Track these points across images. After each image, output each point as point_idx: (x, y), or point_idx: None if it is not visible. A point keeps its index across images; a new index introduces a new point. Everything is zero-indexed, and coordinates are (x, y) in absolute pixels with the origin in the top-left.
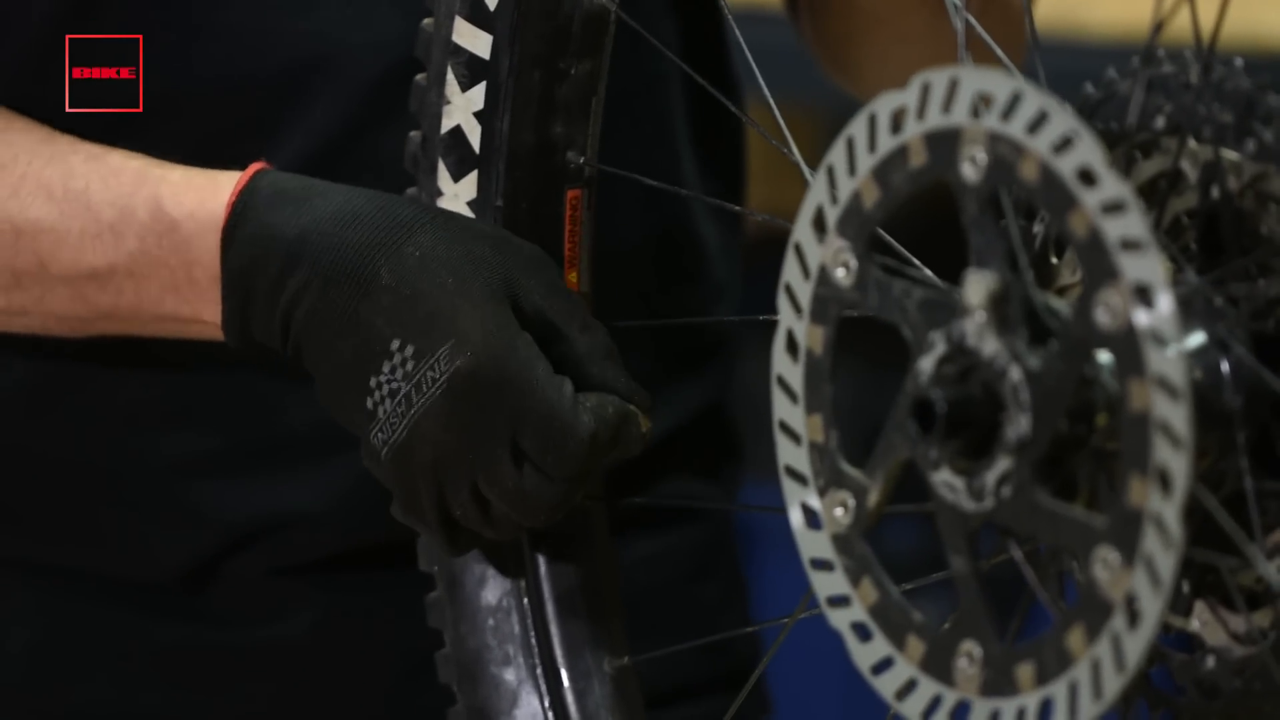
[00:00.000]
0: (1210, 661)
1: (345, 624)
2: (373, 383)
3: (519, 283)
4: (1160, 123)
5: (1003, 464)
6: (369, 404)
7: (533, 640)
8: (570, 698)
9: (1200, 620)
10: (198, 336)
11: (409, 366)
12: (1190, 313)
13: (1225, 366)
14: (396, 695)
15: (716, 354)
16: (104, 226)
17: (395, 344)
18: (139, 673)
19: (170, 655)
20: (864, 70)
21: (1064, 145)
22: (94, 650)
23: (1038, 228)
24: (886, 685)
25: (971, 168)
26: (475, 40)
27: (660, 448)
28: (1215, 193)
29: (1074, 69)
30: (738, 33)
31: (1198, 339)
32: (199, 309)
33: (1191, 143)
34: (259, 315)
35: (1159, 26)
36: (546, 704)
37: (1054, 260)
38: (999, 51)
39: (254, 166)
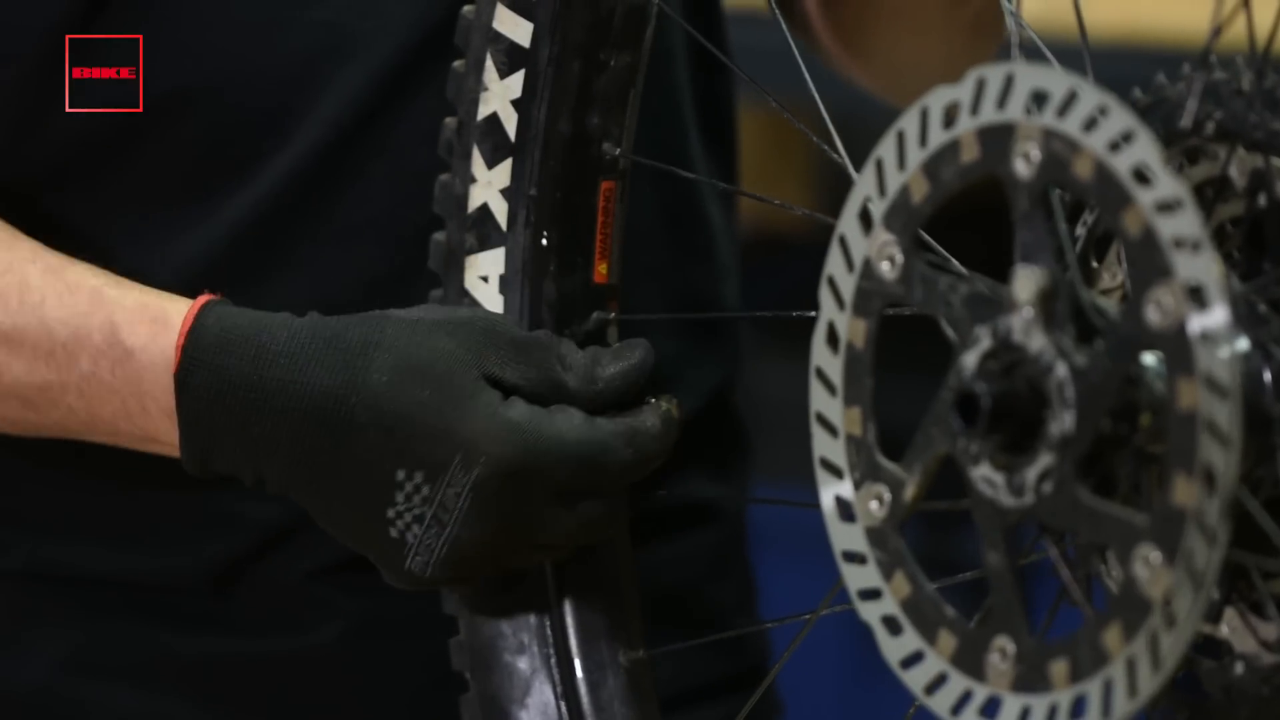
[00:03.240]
0: (1239, 668)
1: (374, 631)
2: (390, 514)
3: (488, 358)
4: (1210, 129)
5: (1044, 460)
6: (392, 533)
7: (548, 629)
8: (583, 689)
9: (1229, 627)
10: (157, 453)
11: (425, 491)
12: (1234, 318)
13: (1267, 375)
14: (424, 703)
15: (725, 333)
16: (56, 344)
17: (400, 474)
18: (168, 685)
19: (199, 667)
20: (874, 60)
21: (1120, 143)
22: (123, 663)
23: (1079, 231)
24: (916, 680)
25: (1024, 164)
26: (516, 28)
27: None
28: (1262, 200)
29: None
30: (789, 35)
31: (1242, 344)
32: (156, 434)
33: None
34: (224, 458)
35: (1216, 31)
36: (559, 693)
37: (1094, 264)
38: (1047, 52)
39: (200, 300)
